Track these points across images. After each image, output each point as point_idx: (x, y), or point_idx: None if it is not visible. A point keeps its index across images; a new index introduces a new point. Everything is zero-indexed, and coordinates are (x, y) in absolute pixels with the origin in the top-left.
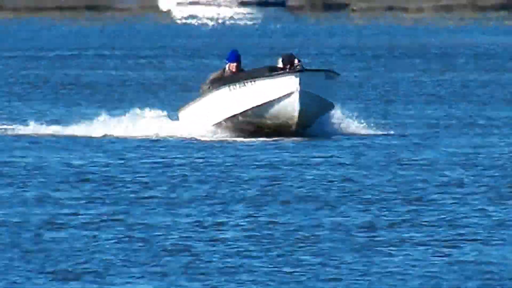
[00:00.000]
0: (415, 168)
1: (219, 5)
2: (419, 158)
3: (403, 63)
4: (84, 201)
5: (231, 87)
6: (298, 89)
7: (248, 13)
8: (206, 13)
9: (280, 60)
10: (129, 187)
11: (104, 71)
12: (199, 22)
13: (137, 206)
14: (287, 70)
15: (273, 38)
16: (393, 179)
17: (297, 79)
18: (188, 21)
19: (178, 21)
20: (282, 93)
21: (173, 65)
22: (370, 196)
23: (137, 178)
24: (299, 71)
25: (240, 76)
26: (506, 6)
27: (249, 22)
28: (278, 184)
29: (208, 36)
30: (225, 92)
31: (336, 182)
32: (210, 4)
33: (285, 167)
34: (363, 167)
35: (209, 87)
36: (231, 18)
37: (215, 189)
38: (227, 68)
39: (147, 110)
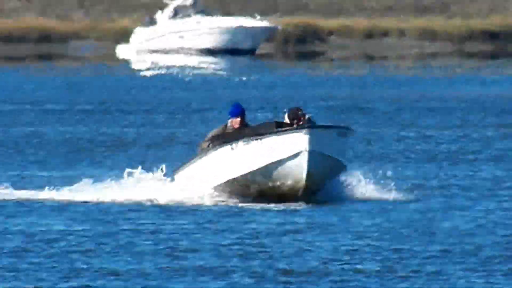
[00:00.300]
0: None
1: (183, 53)
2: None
3: (392, 117)
4: (52, 273)
5: (233, 145)
6: (307, 149)
7: (215, 62)
8: (168, 62)
9: (286, 115)
10: (109, 257)
11: (62, 128)
12: (161, 72)
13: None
14: (295, 126)
15: (245, 90)
16: (396, 248)
17: (306, 137)
18: (149, 71)
19: (138, 72)
20: (288, 153)
21: (135, 121)
22: (368, 267)
23: (125, 246)
24: (309, 127)
25: (243, 133)
26: (496, 53)
27: (216, 72)
28: (269, 254)
29: (172, 88)
30: (226, 152)
31: (336, 253)
32: (173, 53)
33: (280, 235)
34: (365, 235)
35: (208, 145)
36: (197, 67)
37: (208, 260)
38: (229, 124)
39: (139, 171)
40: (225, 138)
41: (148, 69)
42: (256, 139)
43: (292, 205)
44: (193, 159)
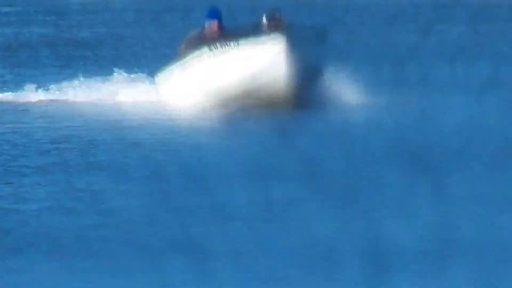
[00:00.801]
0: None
1: None
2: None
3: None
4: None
5: (212, 51)
6: (285, 52)
7: None
8: None
9: (263, 18)
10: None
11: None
12: None
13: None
14: (272, 28)
15: None
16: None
17: (284, 40)
18: None
19: None
20: (266, 57)
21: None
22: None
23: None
24: (285, 30)
25: (222, 37)
26: None
27: None
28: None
29: None
30: (205, 57)
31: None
32: None
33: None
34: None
35: (187, 49)
36: None
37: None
38: (206, 27)
39: (122, 73)
40: (203, 41)
41: None
42: (234, 44)
43: (269, 110)
44: (173, 62)
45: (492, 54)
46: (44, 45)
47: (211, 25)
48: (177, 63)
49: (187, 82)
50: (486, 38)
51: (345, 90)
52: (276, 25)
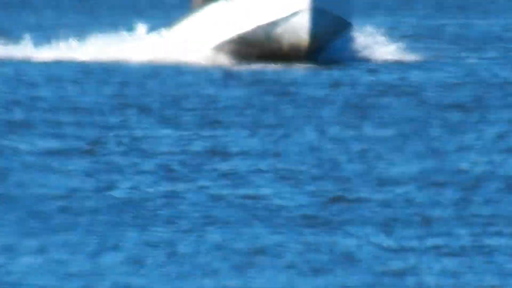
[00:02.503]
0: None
1: None
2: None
3: None
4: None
5: (229, 1)
6: (309, 5)
7: None
8: None
9: None
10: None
11: None
12: None
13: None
14: None
15: None
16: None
17: None
18: None
19: None
20: (289, 10)
21: None
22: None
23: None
24: None
25: None
26: None
27: None
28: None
29: None
30: (222, 8)
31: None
32: None
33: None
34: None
35: (203, 1)
36: None
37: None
38: None
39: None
40: None
41: None
42: None
43: (288, 65)
44: (188, 15)
45: None
46: None
47: None
48: (193, 16)
49: (202, 36)
50: None
51: (373, 44)
52: None
